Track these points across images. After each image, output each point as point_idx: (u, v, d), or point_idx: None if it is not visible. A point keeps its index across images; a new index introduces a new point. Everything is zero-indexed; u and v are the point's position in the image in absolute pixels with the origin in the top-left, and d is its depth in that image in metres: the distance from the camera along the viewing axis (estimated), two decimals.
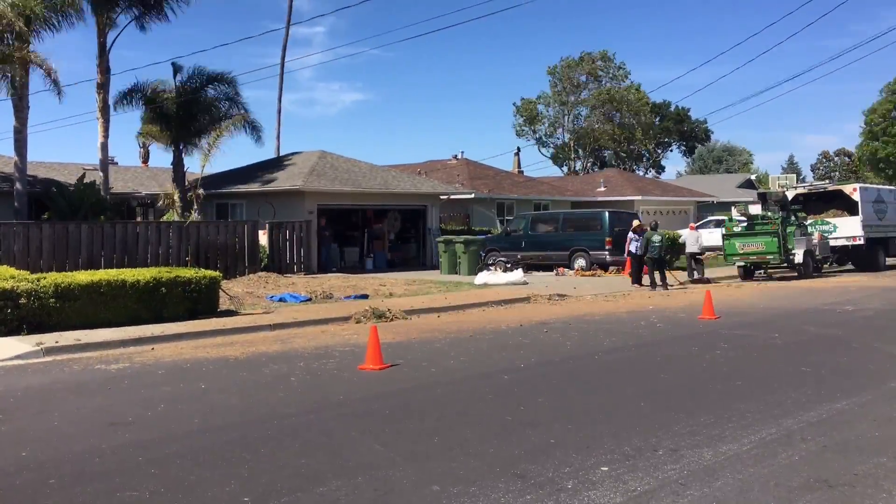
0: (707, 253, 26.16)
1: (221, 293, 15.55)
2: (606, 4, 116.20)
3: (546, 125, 73.59)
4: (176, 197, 26.22)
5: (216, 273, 15.29)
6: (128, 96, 27.44)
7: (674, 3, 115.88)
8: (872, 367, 9.65)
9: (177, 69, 28.07)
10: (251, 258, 21.72)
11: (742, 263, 23.92)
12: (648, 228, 21.12)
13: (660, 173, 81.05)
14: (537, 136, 74.04)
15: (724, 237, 24.36)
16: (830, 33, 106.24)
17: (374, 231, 29.71)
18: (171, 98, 27.37)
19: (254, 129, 28.94)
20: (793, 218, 24.44)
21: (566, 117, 71.95)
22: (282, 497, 5.17)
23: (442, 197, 31.72)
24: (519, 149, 54.68)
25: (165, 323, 13.38)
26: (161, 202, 27.12)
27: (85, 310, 12.91)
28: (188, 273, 14.58)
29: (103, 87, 25.57)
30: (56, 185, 26.29)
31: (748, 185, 65.86)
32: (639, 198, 41.84)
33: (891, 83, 52.38)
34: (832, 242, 25.69)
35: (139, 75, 59.32)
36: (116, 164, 36.95)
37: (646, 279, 20.79)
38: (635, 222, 21.97)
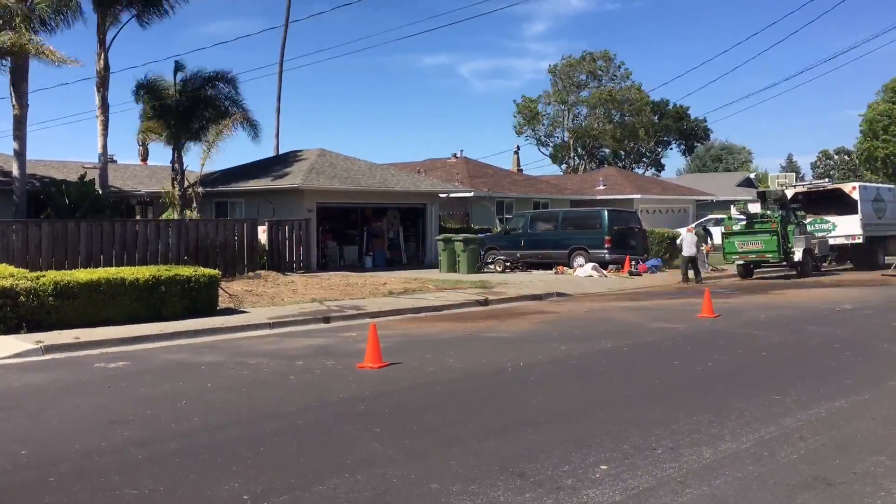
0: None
1: (220, 291, 15.55)
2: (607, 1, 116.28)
3: (546, 124, 73.60)
4: (175, 195, 26.19)
5: (215, 271, 15.28)
6: (138, 91, 27.49)
7: (674, 1, 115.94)
8: (872, 365, 9.65)
9: (177, 67, 28.05)
10: (250, 257, 21.71)
11: (741, 262, 23.93)
12: None
13: (659, 172, 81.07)
14: (537, 135, 74.06)
15: (724, 236, 24.38)
16: (831, 32, 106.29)
17: (373, 229, 29.69)
18: (173, 95, 27.33)
19: (252, 126, 28.93)
20: (792, 216, 24.45)
21: (566, 116, 71.93)
22: (281, 495, 5.17)
23: (441, 195, 31.71)
24: (518, 147, 54.64)
25: (164, 321, 13.38)
26: (162, 200, 27.09)
27: (84, 308, 12.91)
28: (187, 271, 14.58)
29: (103, 84, 25.53)
30: (55, 183, 26.26)
31: (747, 183, 65.83)
32: (638, 196, 41.83)
33: (889, 82, 52.32)
34: (831, 241, 25.72)
35: (139, 73, 59.28)
36: (116, 162, 36.90)
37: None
38: None
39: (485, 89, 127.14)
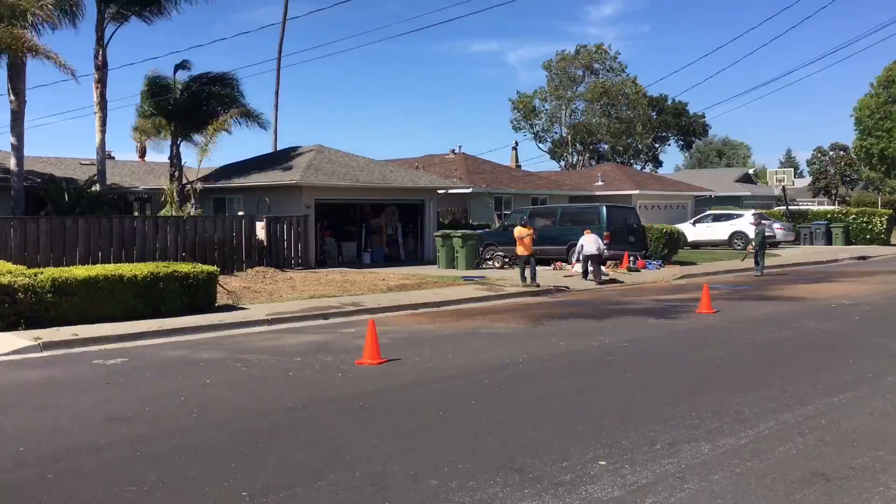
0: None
1: (219, 288, 15.54)
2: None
3: (543, 120, 73.60)
4: (173, 191, 26.16)
5: (213, 268, 15.27)
6: (143, 96, 27.58)
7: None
8: (870, 361, 9.66)
9: (180, 66, 28.03)
10: (248, 253, 21.70)
11: None
12: None
13: (657, 167, 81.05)
14: (535, 130, 74.06)
15: None
16: (829, 27, 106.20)
17: (371, 226, 29.67)
18: (172, 93, 27.34)
19: (255, 118, 28.99)
20: None
21: (563, 112, 71.93)
22: (280, 492, 5.17)
23: (440, 191, 31.67)
24: (517, 143, 54.59)
25: (163, 317, 13.37)
26: (161, 197, 27.09)
27: (82, 305, 12.89)
28: (185, 268, 14.57)
29: (101, 81, 25.49)
30: (53, 179, 26.24)
31: (746, 179, 65.85)
32: (636, 192, 41.83)
33: (880, 76, 52.13)
34: None
35: (138, 70, 59.21)
36: (114, 158, 36.81)
37: None
38: None
39: (528, 80, 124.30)
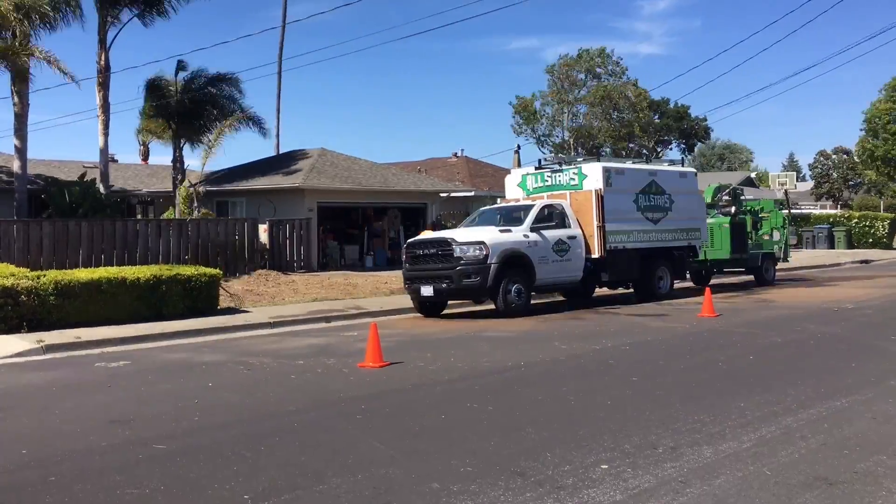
0: None
1: (221, 291, 15.56)
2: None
3: (544, 124, 73.56)
4: (176, 194, 26.21)
5: (216, 271, 15.31)
6: (148, 94, 27.66)
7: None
8: (872, 364, 9.63)
9: (180, 67, 28.11)
10: (251, 256, 21.73)
11: None
12: None
13: None
14: (536, 134, 74.01)
15: None
16: (832, 31, 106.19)
17: (374, 229, 29.72)
18: (175, 95, 27.41)
19: (257, 123, 29.06)
20: None
21: (565, 116, 71.91)
22: (282, 495, 5.17)
23: (442, 195, 31.71)
24: (519, 146, 54.43)
25: (165, 320, 13.39)
26: (164, 199, 27.16)
27: (85, 307, 12.93)
28: (188, 271, 14.60)
29: (103, 84, 25.54)
30: (56, 182, 26.28)
31: (748, 182, 65.81)
32: None
33: (891, 81, 52.20)
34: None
35: (141, 73, 59.32)
36: (116, 161, 36.93)
37: None
38: None
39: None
